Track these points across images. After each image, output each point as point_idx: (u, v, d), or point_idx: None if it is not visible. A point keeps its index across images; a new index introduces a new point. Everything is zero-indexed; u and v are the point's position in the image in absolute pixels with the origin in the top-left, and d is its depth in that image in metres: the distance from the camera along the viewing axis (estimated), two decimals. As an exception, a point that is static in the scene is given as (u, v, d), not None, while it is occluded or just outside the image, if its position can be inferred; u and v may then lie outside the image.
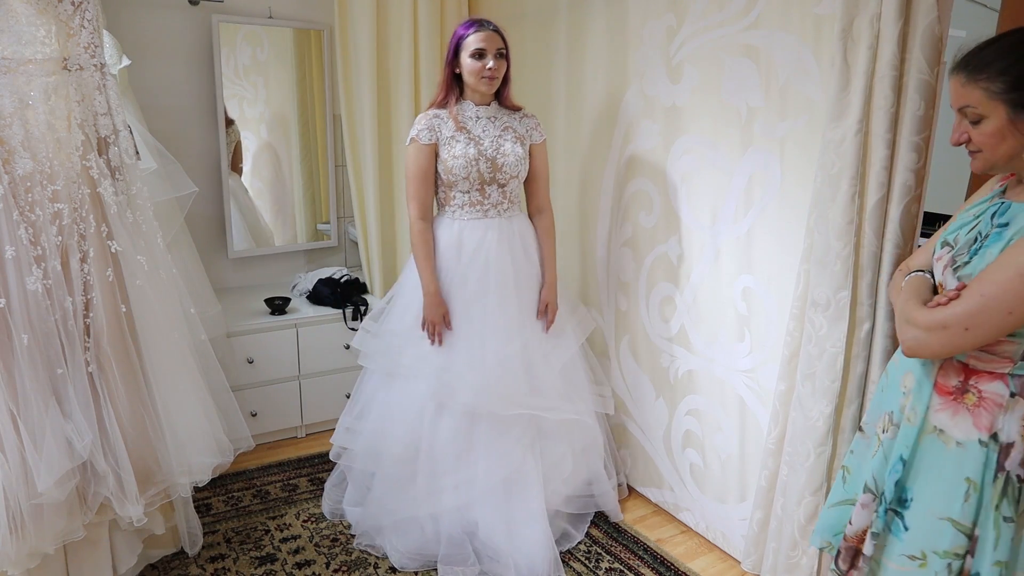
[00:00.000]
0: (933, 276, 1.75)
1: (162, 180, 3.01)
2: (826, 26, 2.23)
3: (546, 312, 2.87)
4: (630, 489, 3.31)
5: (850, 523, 1.84)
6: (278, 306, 3.64)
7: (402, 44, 3.67)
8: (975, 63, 1.55)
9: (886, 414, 1.79)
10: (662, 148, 2.89)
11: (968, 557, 1.62)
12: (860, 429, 1.92)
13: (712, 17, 2.62)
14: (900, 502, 1.70)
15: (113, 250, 2.30)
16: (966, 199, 1.84)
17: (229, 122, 3.83)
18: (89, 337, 2.25)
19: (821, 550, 2.17)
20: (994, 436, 1.58)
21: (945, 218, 3.38)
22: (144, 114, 3.29)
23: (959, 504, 1.61)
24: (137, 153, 2.56)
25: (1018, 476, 1.58)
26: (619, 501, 3.18)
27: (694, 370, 2.89)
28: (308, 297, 3.87)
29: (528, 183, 2.88)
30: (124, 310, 2.31)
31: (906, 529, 1.69)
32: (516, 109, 2.82)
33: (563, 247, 3.36)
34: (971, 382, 1.61)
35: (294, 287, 3.98)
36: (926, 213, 2.90)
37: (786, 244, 2.41)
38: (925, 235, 3.12)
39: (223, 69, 3.76)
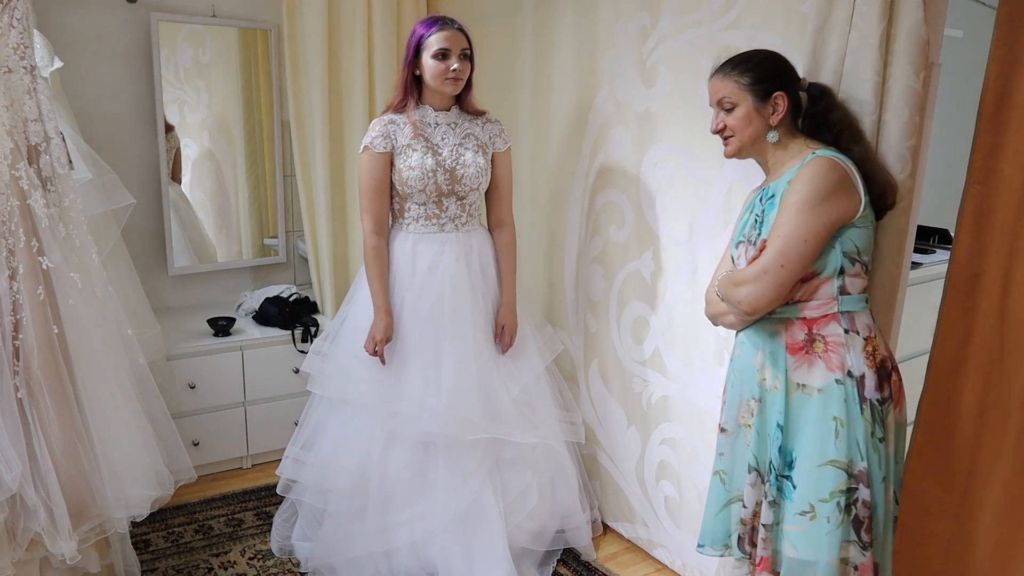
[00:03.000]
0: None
1: (97, 191, 3.02)
2: (809, 26, 2.23)
3: (503, 335, 2.88)
4: (603, 525, 3.32)
5: (744, 507, 2.11)
6: (222, 327, 3.66)
7: (355, 44, 3.67)
8: (732, 63, 2.07)
9: (747, 403, 2.08)
10: (635, 157, 2.90)
11: (861, 489, 1.95)
12: (722, 431, 2.17)
13: (689, 15, 2.63)
14: (787, 465, 2.00)
15: (44, 267, 2.29)
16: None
17: (169, 128, 3.85)
18: (18, 360, 2.24)
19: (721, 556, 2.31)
20: (849, 373, 1.94)
21: (942, 231, 3.55)
22: (78, 120, 3.28)
23: (831, 443, 1.93)
24: (70, 162, 2.56)
25: (877, 400, 1.96)
26: (592, 538, 3.18)
27: (669, 396, 2.88)
28: (254, 317, 3.90)
29: (489, 194, 2.90)
30: (56, 331, 2.30)
31: (795, 487, 1.99)
32: (479, 114, 2.83)
33: (528, 263, 3.37)
34: (814, 331, 1.98)
35: (239, 306, 4.01)
36: (921, 227, 3.10)
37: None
38: (919, 251, 3.26)
39: (162, 72, 3.76)
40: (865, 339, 1.99)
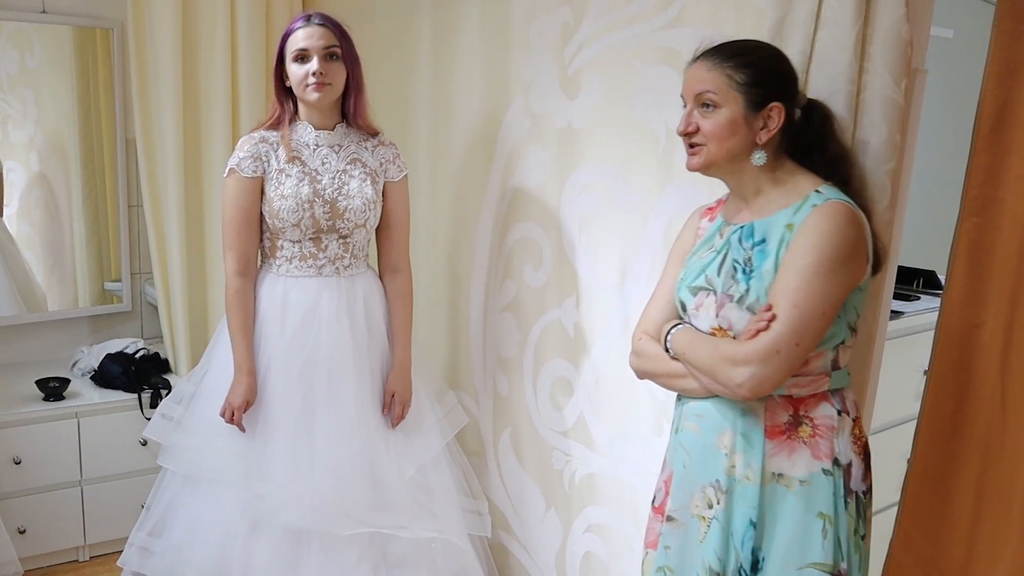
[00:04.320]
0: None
1: None
2: (765, 24, 2.16)
3: (394, 405, 2.79)
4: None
5: None
6: (53, 389, 3.54)
7: (216, 47, 3.54)
8: (727, 51, 1.86)
9: (705, 487, 1.95)
10: (555, 183, 2.82)
11: None
12: (669, 519, 2.04)
13: (621, 11, 2.54)
14: (753, 568, 1.89)
15: None
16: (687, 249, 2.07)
17: (-12, 148, 3.78)
18: None
19: None
20: (835, 462, 1.84)
21: (927, 274, 3.54)
22: None
23: (818, 544, 1.83)
24: None
25: (862, 491, 1.88)
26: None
27: (596, 474, 2.79)
28: (93, 378, 3.75)
29: (380, 232, 2.83)
30: None
31: None
32: (372, 133, 2.78)
33: (426, 314, 3.30)
34: (801, 412, 1.86)
35: (75, 365, 3.85)
36: (902, 268, 3.03)
37: None
38: (899, 296, 3.28)
39: (-21, 80, 3.69)
40: (853, 420, 1.90)
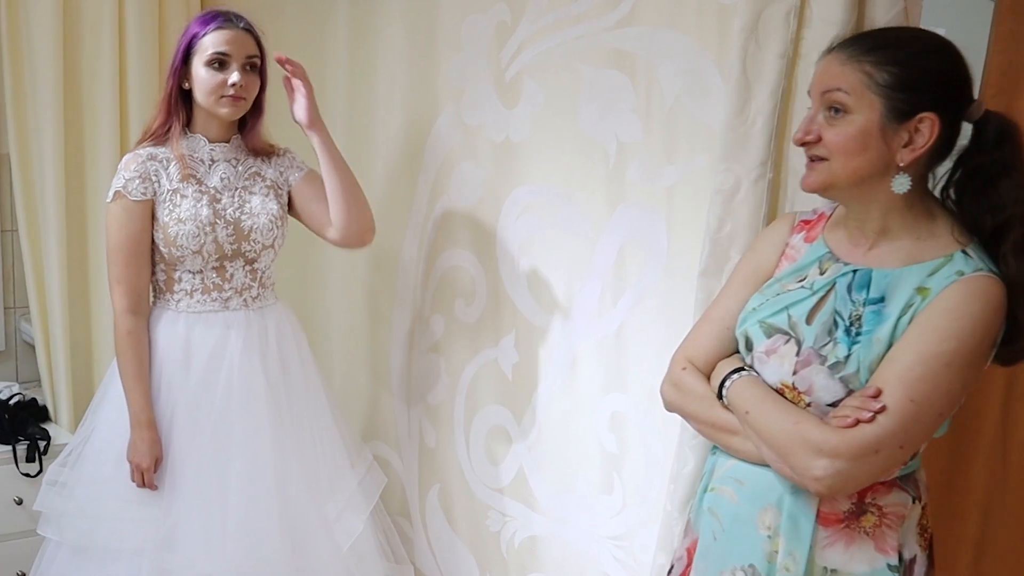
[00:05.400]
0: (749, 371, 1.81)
1: None
2: (736, 22, 2.10)
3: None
4: None
5: None
6: None
7: (102, 47, 3.35)
8: (869, 41, 1.64)
9: (737, 571, 1.80)
10: (490, 204, 2.77)
11: None
12: None
13: (565, 8, 2.49)
14: None
15: None
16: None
17: None
18: None
19: None
20: (900, 557, 1.69)
21: None
22: None
23: None
24: None
25: None
26: None
27: (538, 537, 2.75)
28: None
29: (314, 207, 2.72)
30: None
31: None
32: (268, 153, 2.71)
33: (342, 354, 3.28)
34: (868, 500, 1.68)
35: None
36: None
37: (674, 346, 2.18)
38: None
39: None
40: (923, 508, 1.74)
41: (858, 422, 1.57)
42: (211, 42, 2.47)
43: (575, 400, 2.60)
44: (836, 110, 1.61)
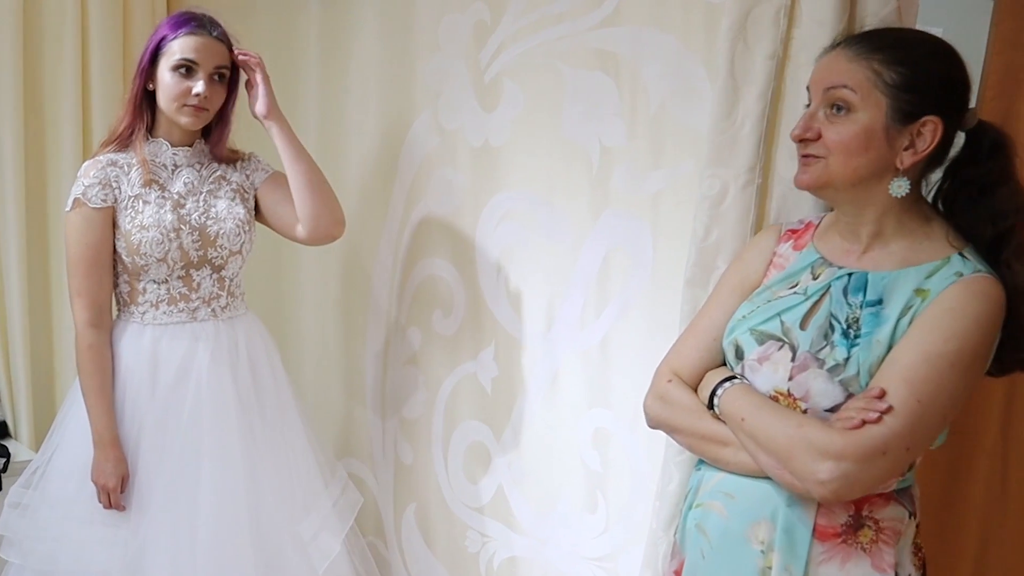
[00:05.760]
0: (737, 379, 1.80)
1: None
2: (724, 22, 2.10)
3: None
4: None
5: None
6: None
7: (65, 47, 3.32)
8: (877, 40, 1.64)
9: None
10: (469, 211, 2.76)
11: None
12: None
13: (546, 7, 2.48)
14: None
15: None
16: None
17: None
18: None
19: None
20: (896, 574, 1.72)
21: None
22: None
23: None
24: None
25: None
26: None
27: (519, 558, 2.74)
28: None
29: (280, 209, 2.70)
30: None
31: None
32: (232, 160, 2.70)
33: (314, 367, 3.25)
34: (864, 513, 1.69)
35: None
36: None
37: (661, 359, 2.17)
38: None
39: None
40: (917, 526, 1.76)
41: (864, 423, 1.56)
42: (179, 47, 2.45)
43: (557, 415, 2.59)
44: (839, 108, 1.61)
